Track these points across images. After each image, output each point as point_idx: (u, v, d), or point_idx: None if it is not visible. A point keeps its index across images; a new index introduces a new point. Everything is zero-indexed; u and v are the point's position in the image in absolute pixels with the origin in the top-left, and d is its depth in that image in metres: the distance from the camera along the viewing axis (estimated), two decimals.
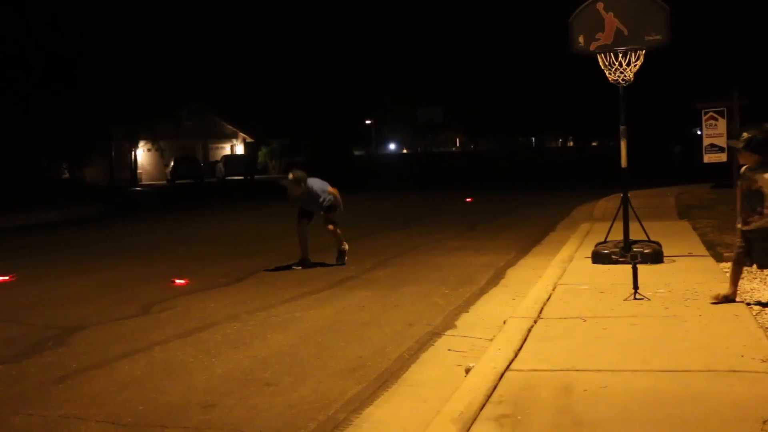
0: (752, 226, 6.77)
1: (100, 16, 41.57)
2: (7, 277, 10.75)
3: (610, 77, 9.43)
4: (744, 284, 7.44)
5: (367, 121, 79.04)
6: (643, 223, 9.81)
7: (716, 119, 16.13)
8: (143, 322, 7.87)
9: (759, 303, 6.93)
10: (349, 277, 10.14)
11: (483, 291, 8.86)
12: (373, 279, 9.94)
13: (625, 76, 9.35)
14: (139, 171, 54.47)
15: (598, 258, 9.53)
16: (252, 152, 63.23)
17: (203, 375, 5.88)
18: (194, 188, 43.76)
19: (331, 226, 11.08)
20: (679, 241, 10.94)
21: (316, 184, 11.05)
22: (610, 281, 8.25)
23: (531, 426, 4.22)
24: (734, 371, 4.95)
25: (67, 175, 45.09)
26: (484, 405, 4.54)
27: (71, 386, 5.71)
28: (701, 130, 20.06)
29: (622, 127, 9.68)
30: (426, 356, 6.25)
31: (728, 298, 6.92)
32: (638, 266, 7.36)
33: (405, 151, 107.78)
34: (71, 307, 8.74)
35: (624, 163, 9.77)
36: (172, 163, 53.21)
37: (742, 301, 6.88)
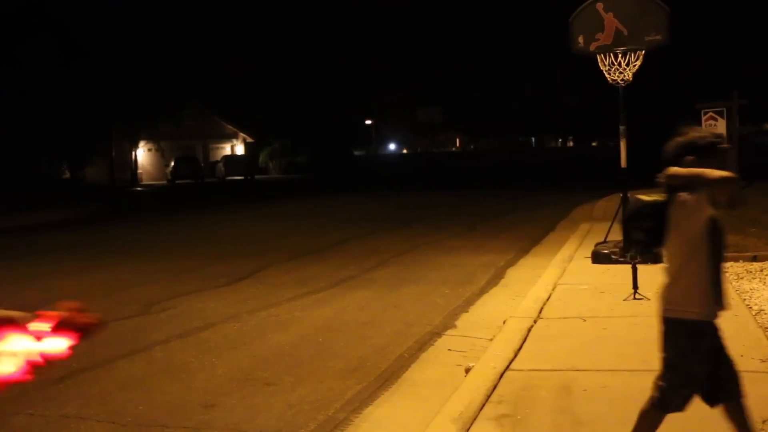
0: None
1: (102, 15, 41.62)
2: None
3: (610, 77, 9.43)
4: (744, 284, 7.45)
5: (368, 121, 78.95)
6: None
7: (716, 119, 16.11)
8: (143, 322, 7.87)
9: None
10: (349, 277, 10.14)
11: (483, 291, 8.86)
12: (373, 279, 9.94)
13: (624, 76, 9.36)
14: (139, 171, 54.40)
15: (598, 258, 9.54)
16: (252, 152, 63.13)
17: (203, 375, 5.89)
18: (194, 188, 43.71)
19: None
20: None
21: None
22: (610, 281, 8.25)
23: (531, 426, 4.23)
24: None
25: (67, 175, 45.05)
26: (484, 405, 4.55)
27: (71, 386, 5.72)
28: None
29: (621, 127, 9.68)
30: (426, 356, 6.26)
31: None
32: (638, 266, 7.37)
33: (405, 151, 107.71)
34: None
35: (624, 163, 9.78)
36: (173, 163, 53.14)
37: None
